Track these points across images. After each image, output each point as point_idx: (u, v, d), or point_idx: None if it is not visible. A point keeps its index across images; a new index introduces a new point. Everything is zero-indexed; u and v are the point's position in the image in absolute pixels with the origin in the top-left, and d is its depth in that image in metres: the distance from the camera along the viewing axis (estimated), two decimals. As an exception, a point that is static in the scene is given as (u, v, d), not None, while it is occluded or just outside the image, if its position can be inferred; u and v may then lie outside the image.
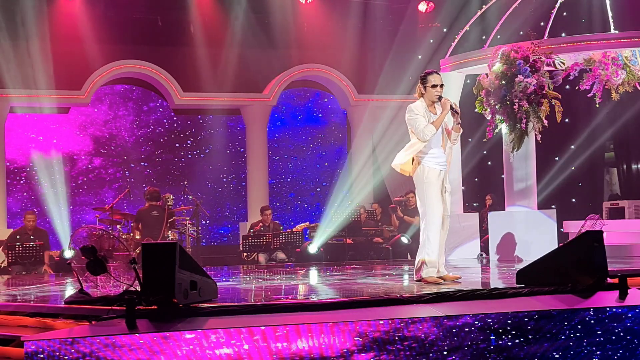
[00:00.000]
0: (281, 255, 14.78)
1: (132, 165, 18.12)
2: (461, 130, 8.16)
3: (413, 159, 7.95)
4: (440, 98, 7.91)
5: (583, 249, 6.86)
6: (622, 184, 16.93)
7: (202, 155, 18.65)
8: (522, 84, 11.23)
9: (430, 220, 7.86)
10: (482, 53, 12.44)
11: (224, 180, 18.83)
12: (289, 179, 19.34)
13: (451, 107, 7.92)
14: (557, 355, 5.87)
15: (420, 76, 8.08)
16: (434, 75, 7.95)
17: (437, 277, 7.88)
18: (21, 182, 17.30)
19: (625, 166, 16.89)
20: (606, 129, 16.05)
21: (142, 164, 18.21)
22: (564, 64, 11.77)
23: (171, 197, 14.57)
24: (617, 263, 9.55)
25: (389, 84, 17.91)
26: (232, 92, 17.54)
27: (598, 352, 5.96)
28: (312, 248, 15.20)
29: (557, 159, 16.32)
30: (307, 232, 16.19)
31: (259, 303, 6.43)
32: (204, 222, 18.29)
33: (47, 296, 8.42)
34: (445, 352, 5.66)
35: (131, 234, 14.29)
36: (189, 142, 18.62)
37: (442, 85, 7.95)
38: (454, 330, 5.72)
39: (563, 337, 5.93)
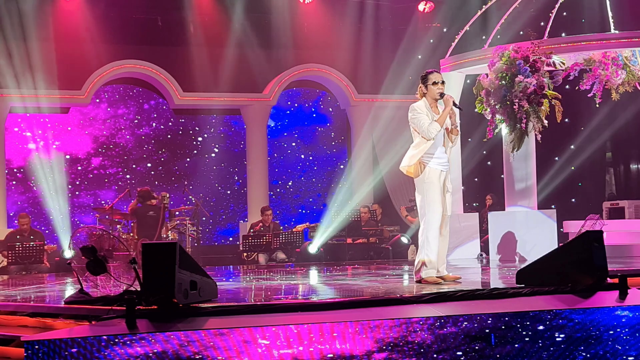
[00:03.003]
0: (281, 255, 14.78)
1: (132, 165, 18.12)
2: (459, 133, 8.18)
3: None
4: (442, 95, 7.93)
5: (583, 249, 6.86)
6: (620, 184, 16.92)
7: (202, 156, 18.65)
8: (522, 84, 11.23)
9: (430, 220, 7.86)
10: (482, 53, 12.44)
11: (226, 180, 18.82)
12: (293, 180, 19.32)
13: (454, 104, 7.94)
14: (558, 355, 5.87)
15: (420, 76, 8.10)
16: (434, 74, 8.00)
17: (437, 277, 7.88)
18: (21, 182, 17.29)
19: (622, 166, 16.89)
20: (605, 129, 16.05)
21: (143, 164, 18.21)
22: (564, 64, 11.77)
23: (167, 195, 14.58)
24: (617, 263, 9.54)
25: (389, 84, 17.90)
26: (232, 92, 17.55)
27: (599, 352, 5.95)
28: (312, 248, 15.20)
29: (557, 159, 16.31)
30: (308, 232, 16.18)
31: (259, 303, 6.43)
32: (209, 224, 18.31)
33: (47, 296, 8.42)
34: (445, 352, 5.66)
35: (131, 234, 14.30)
36: (189, 142, 18.62)
37: (443, 82, 7.98)
38: (454, 331, 5.72)
39: (563, 337, 5.92)
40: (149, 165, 18.25)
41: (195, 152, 18.63)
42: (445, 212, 7.95)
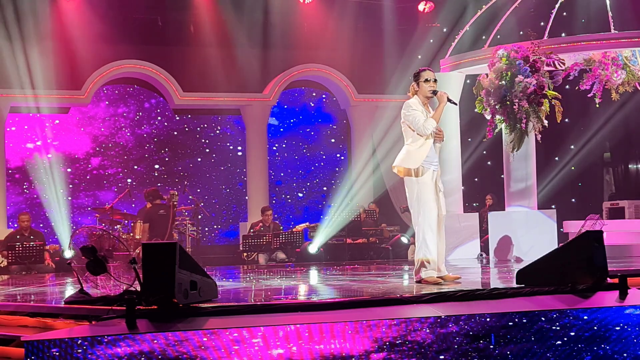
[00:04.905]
0: (281, 255, 14.78)
1: (132, 165, 18.10)
2: (444, 140, 8.13)
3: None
4: (434, 92, 7.92)
5: (583, 249, 6.86)
6: (619, 184, 16.92)
7: (205, 156, 18.62)
8: (522, 84, 11.23)
9: (426, 220, 7.82)
10: (482, 53, 12.45)
11: (229, 181, 18.79)
12: (297, 180, 19.30)
13: (448, 99, 7.93)
14: (557, 355, 5.87)
15: (413, 74, 8.09)
16: (426, 71, 8.01)
17: (438, 277, 7.86)
18: (19, 182, 17.28)
19: (622, 166, 16.89)
20: (605, 128, 16.05)
21: (143, 164, 18.19)
22: (564, 64, 11.77)
23: (176, 194, 14.61)
24: (617, 263, 9.55)
25: (388, 84, 17.90)
26: (232, 92, 17.55)
27: (599, 352, 5.95)
28: (312, 248, 15.20)
29: (557, 159, 16.32)
30: (307, 232, 16.18)
31: (259, 303, 6.43)
32: (211, 225, 18.30)
33: (47, 296, 8.42)
34: (444, 352, 5.66)
35: (131, 234, 14.30)
36: (191, 141, 18.60)
37: (435, 80, 7.97)
38: (454, 331, 5.72)
39: (563, 337, 5.92)
40: (155, 166, 18.21)
41: (197, 151, 18.61)
42: (440, 211, 7.93)
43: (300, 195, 19.29)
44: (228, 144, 18.79)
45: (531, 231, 11.68)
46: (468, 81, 13.26)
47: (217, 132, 18.77)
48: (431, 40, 17.31)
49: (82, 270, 6.68)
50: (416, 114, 7.85)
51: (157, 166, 18.23)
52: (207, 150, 18.64)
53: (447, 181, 12.99)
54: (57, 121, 17.49)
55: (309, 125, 19.44)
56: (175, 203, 14.42)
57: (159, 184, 17.82)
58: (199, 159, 18.58)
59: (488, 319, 5.81)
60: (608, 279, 6.87)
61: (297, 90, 19.17)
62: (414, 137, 7.89)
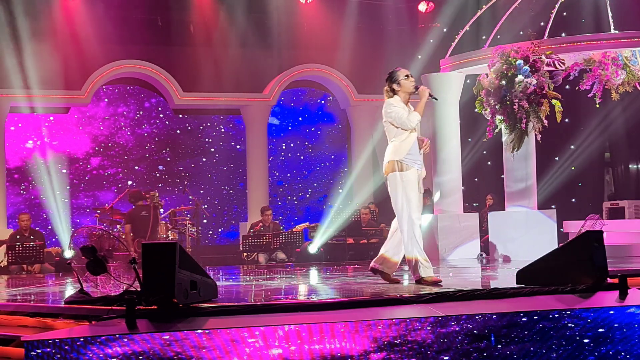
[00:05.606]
0: (281, 255, 14.79)
1: (133, 165, 18.10)
2: (428, 148, 8.09)
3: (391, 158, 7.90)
4: (416, 88, 7.91)
5: (583, 249, 6.86)
6: (619, 184, 16.92)
7: (206, 156, 18.62)
8: (522, 84, 11.24)
9: (413, 219, 7.79)
10: (482, 53, 12.45)
11: (230, 181, 18.78)
12: (299, 180, 19.28)
13: (430, 95, 7.93)
14: (560, 354, 5.87)
15: (387, 77, 8.01)
16: (402, 69, 7.98)
17: (434, 276, 7.83)
18: (20, 182, 17.27)
19: (622, 166, 16.88)
20: (605, 128, 16.05)
21: (143, 164, 18.19)
22: (564, 64, 11.77)
23: (157, 194, 14.56)
24: (617, 263, 9.54)
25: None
26: (232, 92, 17.55)
27: (601, 352, 5.95)
28: (312, 248, 15.20)
29: (557, 159, 16.32)
30: (307, 232, 16.18)
31: (259, 303, 6.43)
32: (212, 225, 18.29)
33: (47, 296, 8.42)
34: (444, 352, 5.66)
35: (131, 234, 14.31)
36: (192, 141, 18.60)
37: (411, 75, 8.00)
38: (454, 330, 5.72)
39: (565, 337, 5.92)
40: (158, 167, 18.20)
41: (198, 151, 18.60)
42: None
43: (303, 195, 19.28)
44: (232, 143, 18.79)
45: (531, 231, 11.68)
46: (468, 81, 13.27)
47: (221, 131, 18.77)
48: (431, 40, 17.31)
49: (82, 270, 6.68)
50: (398, 109, 7.84)
51: (160, 167, 18.22)
52: (211, 149, 18.63)
53: (447, 181, 13.02)
54: (52, 118, 17.47)
55: (312, 125, 19.45)
56: (156, 203, 14.38)
57: (159, 184, 17.84)
58: (203, 159, 18.57)
59: (488, 319, 5.81)
60: (608, 279, 6.86)
61: (299, 90, 19.19)
62: (397, 132, 7.88)
